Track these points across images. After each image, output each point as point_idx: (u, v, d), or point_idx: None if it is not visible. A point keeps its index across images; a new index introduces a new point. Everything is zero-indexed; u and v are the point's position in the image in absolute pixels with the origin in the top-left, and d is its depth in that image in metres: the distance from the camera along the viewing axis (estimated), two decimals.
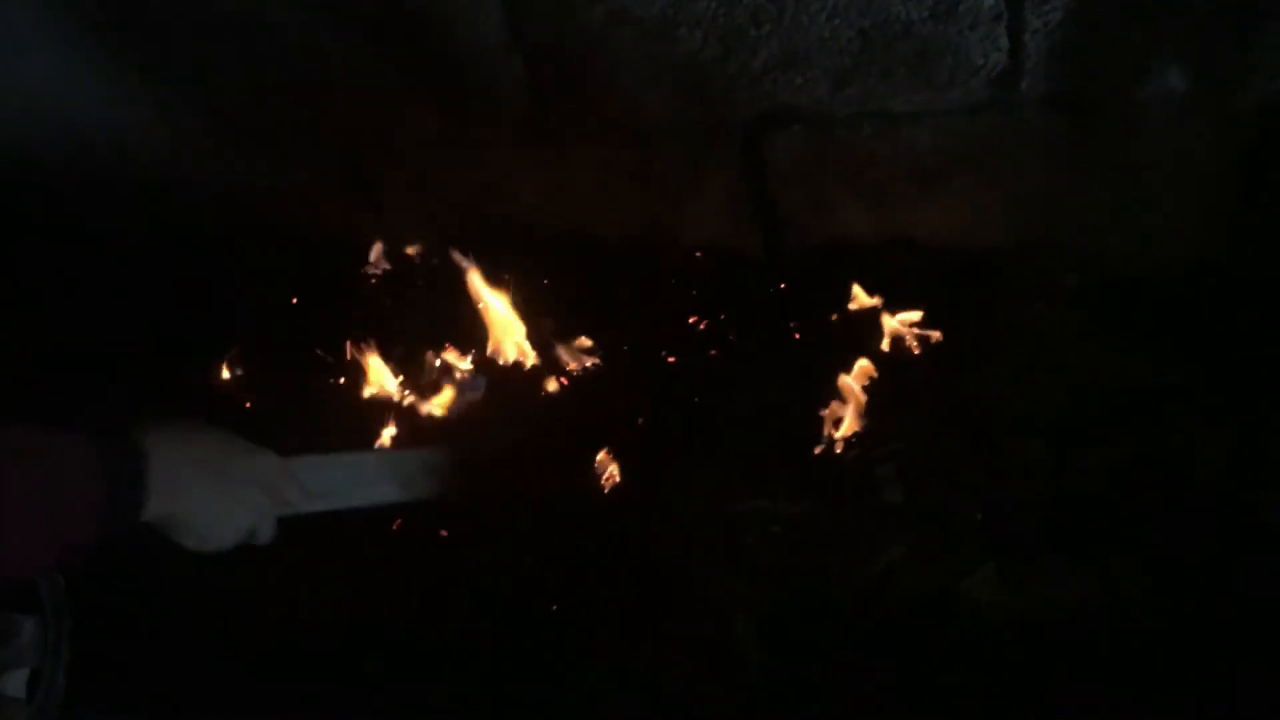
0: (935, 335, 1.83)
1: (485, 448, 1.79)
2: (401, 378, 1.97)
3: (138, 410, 1.14)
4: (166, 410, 1.23)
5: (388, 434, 1.91)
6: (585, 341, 1.95)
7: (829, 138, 1.84)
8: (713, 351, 1.91)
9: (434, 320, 2.01)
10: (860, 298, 1.89)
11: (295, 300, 2.11)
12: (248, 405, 2.01)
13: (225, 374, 2.05)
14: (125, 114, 2.11)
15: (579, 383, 1.91)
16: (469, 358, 1.96)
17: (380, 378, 1.96)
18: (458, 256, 1.90)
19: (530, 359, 1.94)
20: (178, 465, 1.11)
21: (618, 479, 1.80)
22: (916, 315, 1.85)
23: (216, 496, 1.18)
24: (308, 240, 2.12)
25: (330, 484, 1.43)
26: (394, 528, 1.80)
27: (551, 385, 1.91)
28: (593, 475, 1.80)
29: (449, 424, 1.91)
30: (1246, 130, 1.63)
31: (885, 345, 1.84)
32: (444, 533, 1.79)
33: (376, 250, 2.14)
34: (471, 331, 1.96)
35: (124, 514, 1.06)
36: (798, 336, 1.90)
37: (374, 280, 2.12)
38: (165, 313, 2.10)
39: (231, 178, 2.15)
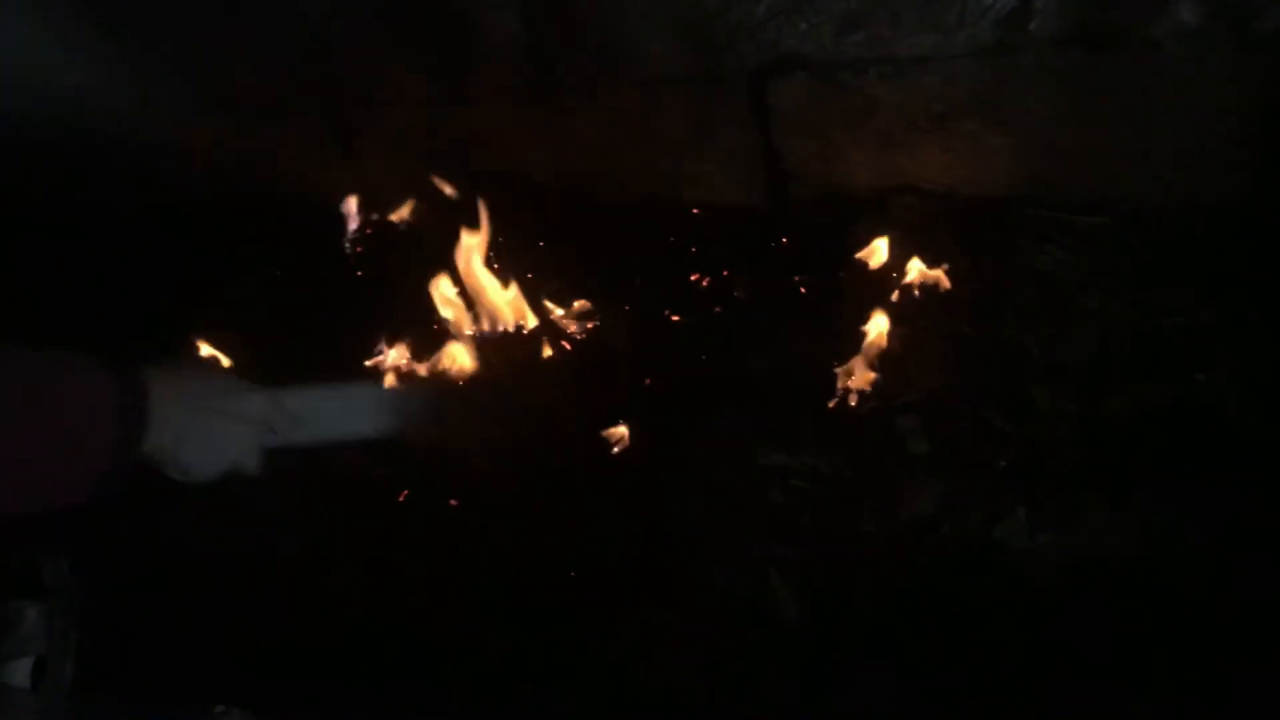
0: (948, 283, 1.80)
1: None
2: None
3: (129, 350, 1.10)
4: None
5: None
6: (585, 303, 1.90)
7: (834, 85, 1.80)
8: (720, 308, 1.87)
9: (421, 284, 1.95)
10: (870, 247, 1.86)
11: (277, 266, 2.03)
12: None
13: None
14: (91, 78, 2.02)
15: (581, 345, 1.86)
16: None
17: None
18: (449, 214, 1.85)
19: (529, 321, 1.88)
20: (171, 401, 1.11)
21: (629, 441, 1.75)
22: (928, 263, 1.82)
23: (204, 432, 1.18)
24: (288, 203, 2.04)
25: (318, 414, 1.42)
26: (401, 499, 1.75)
27: (551, 348, 1.85)
28: (602, 437, 1.76)
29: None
30: (1264, 63, 1.61)
31: (898, 295, 1.81)
32: (454, 502, 1.74)
33: (352, 208, 2.07)
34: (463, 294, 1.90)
35: (132, 447, 1.05)
36: (806, 290, 1.86)
37: (359, 242, 2.05)
38: (140, 278, 2.01)
39: (207, 140, 2.06)
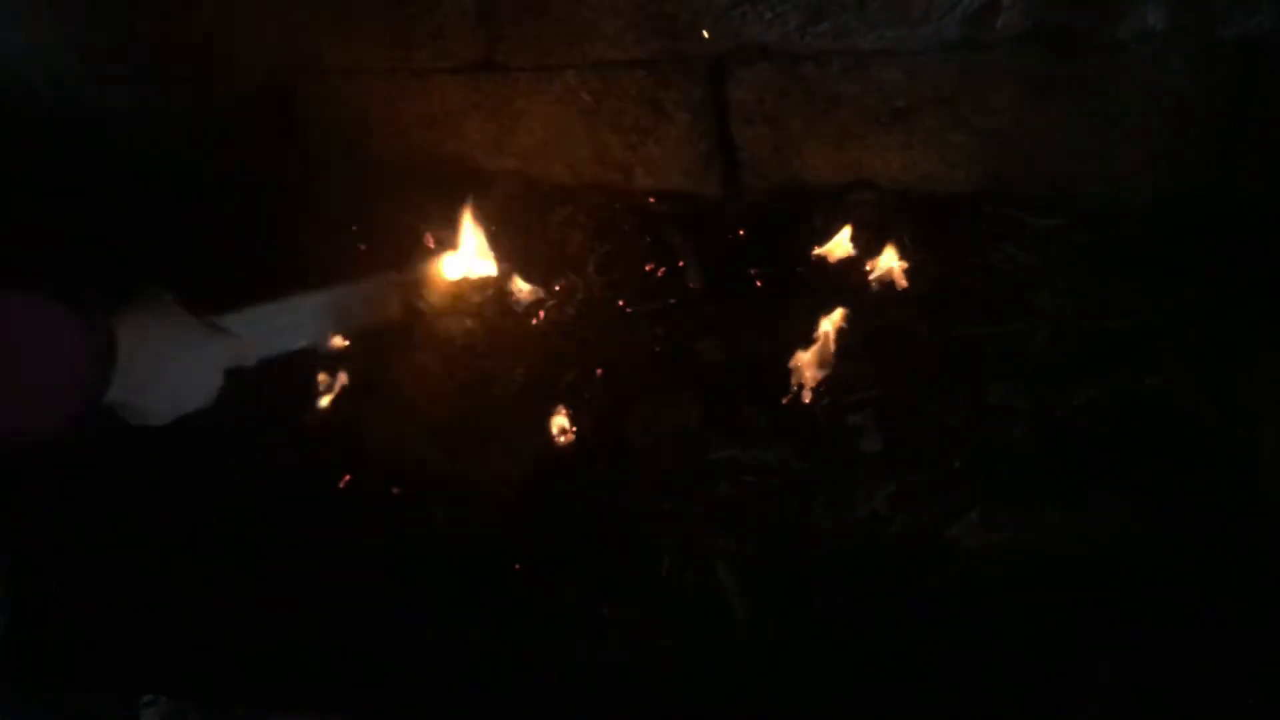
0: (904, 278, 1.79)
1: None
2: None
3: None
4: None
5: None
6: (534, 289, 1.84)
7: (796, 76, 1.77)
8: (672, 298, 1.84)
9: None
10: (826, 241, 1.83)
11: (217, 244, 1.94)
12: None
13: None
14: (23, 38, 1.92)
15: (531, 332, 1.81)
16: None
17: None
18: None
19: (475, 307, 1.83)
20: (138, 350, 1.09)
21: (578, 430, 1.71)
22: (883, 259, 1.80)
23: (166, 383, 1.18)
24: (230, 179, 1.96)
25: (274, 330, 1.45)
26: (341, 485, 1.69)
27: (499, 335, 1.80)
28: (553, 426, 1.72)
29: None
30: (1226, 67, 1.63)
31: (852, 290, 1.79)
32: (395, 490, 1.68)
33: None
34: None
35: (99, 391, 1.04)
36: (760, 283, 1.84)
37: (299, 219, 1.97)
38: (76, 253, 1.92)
39: (145, 110, 1.97)
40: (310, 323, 1.55)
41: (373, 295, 1.68)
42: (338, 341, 1.70)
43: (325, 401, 1.78)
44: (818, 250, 1.83)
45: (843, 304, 1.76)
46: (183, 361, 1.20)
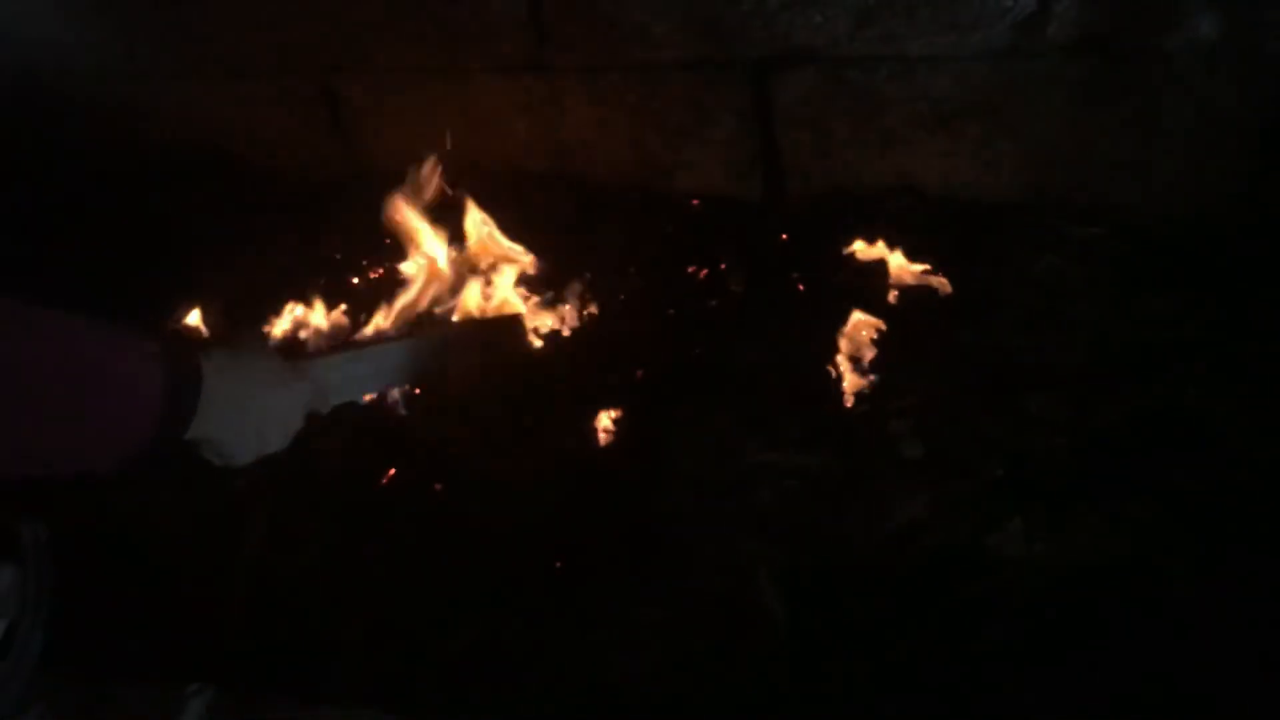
0: (945, 286, 1.79)
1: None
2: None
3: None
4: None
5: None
6: (576, 291, 1.85)
7: (842, 80, 1.78)
8: (713, 301, 1.84)
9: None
10: (867, 246, 1.84)
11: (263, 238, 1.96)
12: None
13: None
14: (74, 35, 1.94)
15: (572, 333, 1.82)
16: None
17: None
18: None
19: (517, 308, 1.84)
20: (224, 392, 1.07)
21: (617, 432, 1.72)
22: (925, 265, 1.80)
23: (250, 427, 1.16)
24: (277, 174, 1.97)
25: (352, 380, 1.46)
26: (384, 481, 1.70)
27: (540, 336, 1.81)
28: (592, 428, 1.72)
29: None
30: (1271, 81, 1.62)
31: (893, 296, 1.79)
32: (437, 486, 1.69)
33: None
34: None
35: (176, 427, 1.03)
36: (802, 287, 1.84)
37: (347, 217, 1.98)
38: (123, 247, 1.93)
39: (193, 106, 1.99)
40: (390, 373, 1.55)
41: (455, 347, 1.66)
42: (414, 391, 1.73)
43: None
44: (859, 255, 1.83)
45: (883, 310, 1.77)
46: (267, 402, 1.19)
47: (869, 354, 1.73)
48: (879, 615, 1.51)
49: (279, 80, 1.96)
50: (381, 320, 1.80)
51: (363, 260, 1.91)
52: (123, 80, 2.00)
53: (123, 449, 0.98)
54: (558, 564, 1.61)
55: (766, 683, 1.48)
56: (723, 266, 1.86)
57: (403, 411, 1.74)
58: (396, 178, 1.92)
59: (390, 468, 1.69)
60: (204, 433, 1.07)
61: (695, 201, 1.95)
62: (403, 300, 1.80)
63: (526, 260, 1.84)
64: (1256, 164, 1.69)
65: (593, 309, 1.82)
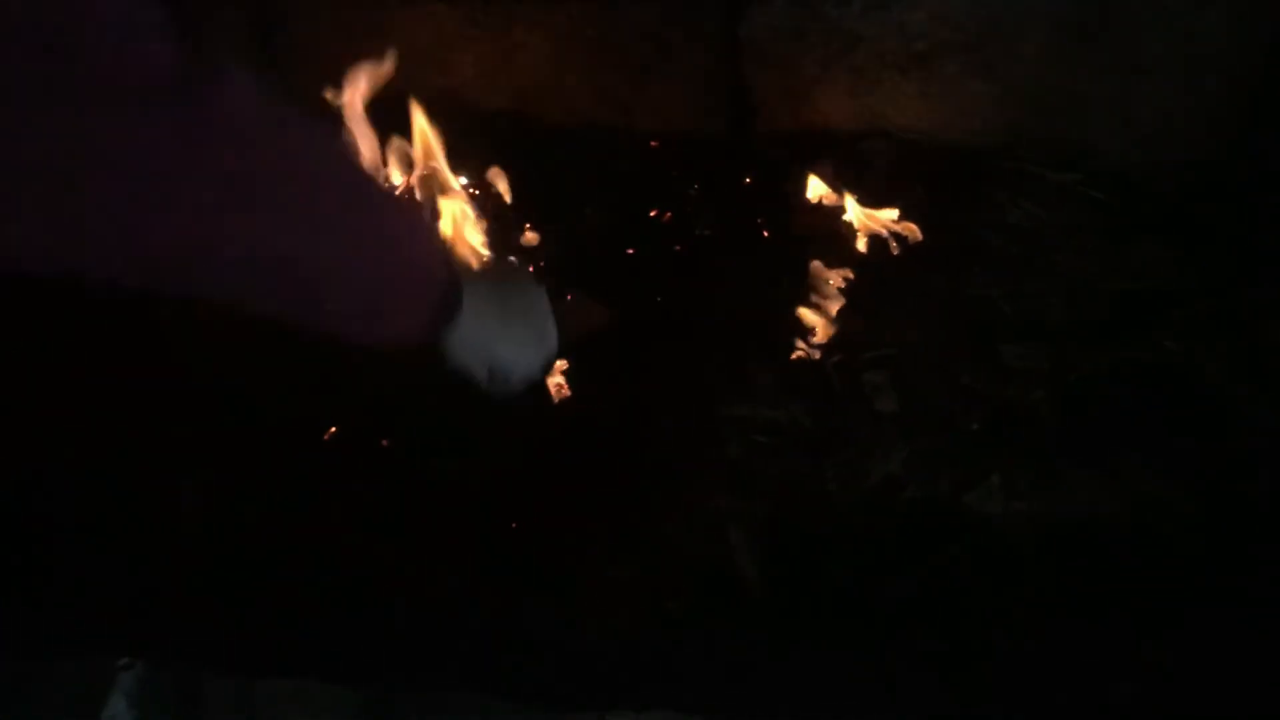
0: (917, 233, 1.72)
1: None
2: None
3: None
4: None
5: None
6: (532, 237, 1.75)
7: (815, 15, 1.68)
8: (677, 247, 1.75)
9: None
10: (837, 191, 1.76)
11: None
12: None
13: None
14: None
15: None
16: None
17: None
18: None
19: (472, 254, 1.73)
20: (487, 309, 1.09)
21: (579, 385, 1.63)
22: (897, 211, 1.73)
23: (498, 351, 1.17)
24: None
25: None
26: (325, 437, 1.59)
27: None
28: (550, 380, 1.63)
29: None
30: (1262, 22, 1.57)
31: (864, 243, 1.72)
32: (385, 442, 1.59)
33: None
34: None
35: (443, 320, 1.02)
36: (770, 233, 1.75)
37: None
38: None
39: None
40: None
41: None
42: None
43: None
44: (829, 200, 1.76)
45: (856, 258, 1.69)
46: (529, 325, 1.21)
47: (840, 303, 1.66)
48: (854, 574, 1.46)
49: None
50: None
51: None
52: None
53: (405, 323, 0.98)
54: (517, 524, 1.53)
55: (740, 644, 1.43)
56: (687, 210, 1.78)
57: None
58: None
59: (336, 422, 1.59)
60: (470, 354, 1.09)
61: (657, 143, 1.85)
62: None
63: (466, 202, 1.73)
64: (1246, 107, 1.64)
65: (550, 253, 1.72)
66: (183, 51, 0.71)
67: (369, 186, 0.93)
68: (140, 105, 0.69)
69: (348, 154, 0.93)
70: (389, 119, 1.74)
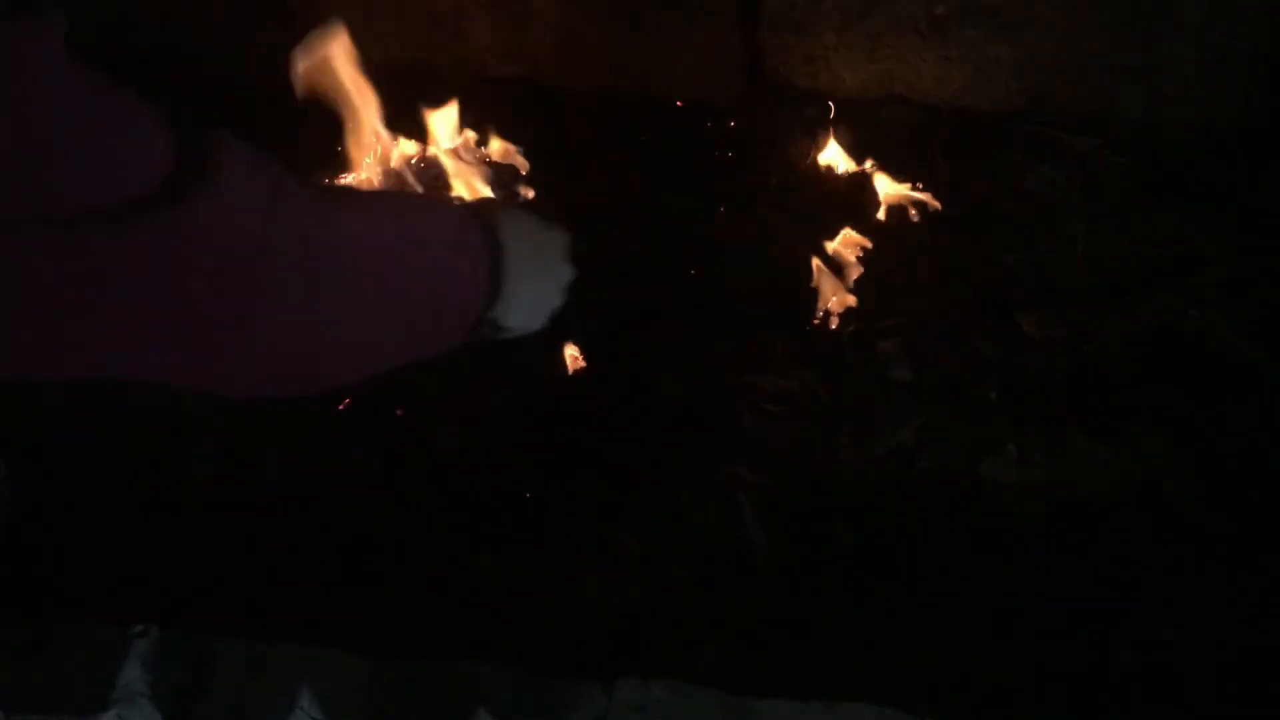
0: (934, 200, 1.69)
1: None
2: None
3: None
4: None
5: None
6: (542, 204, 1.74)
7: None
8: (691, 214, 1.73)
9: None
10: (854, 158, 1.74)
11: None
12: None
13: None
14: None
15: None
16: None
17: None
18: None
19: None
20: (520, 261, 0.96)
21: (589, 353, 1.62)
22: (915, 178, 1.70)
23: (540, 294, 1.03)
24: (215, 73, 1.82)
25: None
26: (340, 408, 1.60)
27: None
28: (564, 347, 1.63)
29: None
30: None
31: (880, 210, 1.70)
32: (399, 412, 1.59)
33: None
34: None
35: (494, 303, 0.92)
36: (785, 201, 1.73)
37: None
38: None
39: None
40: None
41: None
42: None
43: None
44: (846, 168, 1.74)
45: (872, 225, 1.67)
46: (548, 269, 1.08)
47: (856, 271, 1.64)
48: (865, 545, 1.45)
49: None
50: None
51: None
52: None
53: (451, 332, 0.90)
54: (528, 494, 1.54)
55: (749, 614, 1.43)
56: (702, 177, 1.76)
57: None
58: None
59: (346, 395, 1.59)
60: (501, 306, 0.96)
61: (675, 107, 1.83)
62: None
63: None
64: (1271, 70, 1.60)
65: (566, 221, 1.71)
66: (171, 150, 0.65)
67: (392, 235, 0.85)
68: (130, 220, 0.64)
69: (364, 210, 0.85)
70: (406, 87, 1.74)
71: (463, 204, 0.96)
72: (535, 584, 1.44)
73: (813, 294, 1.63)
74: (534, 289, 1.01)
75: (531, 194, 1.73)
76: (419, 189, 1.66)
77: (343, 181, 1.68)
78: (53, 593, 1.38)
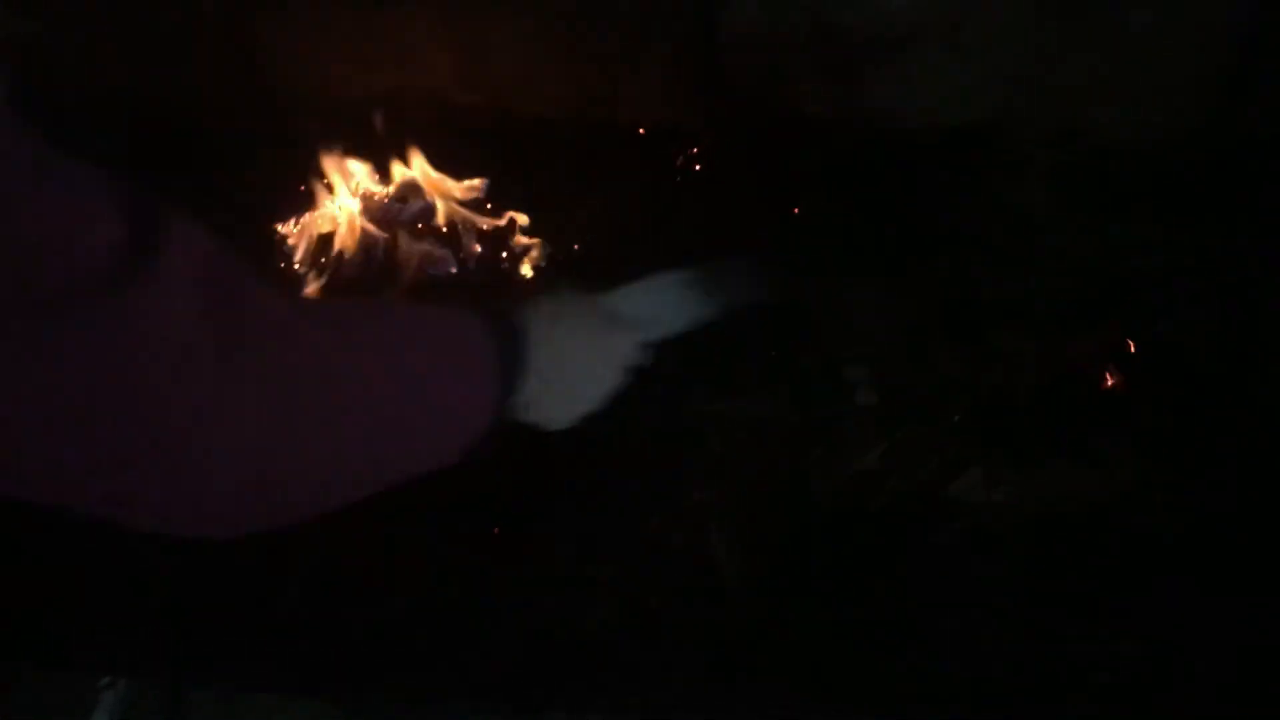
0: (902, 220, 1.69)
1: None
2: None
3: None
4: None
5: None
6: (512, 225, 1.74)
7: (792, 3, 1.65)
8: (656, 238, 1.73)
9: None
10: (820, 178, 1.73)
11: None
12: None
13: None
14: None
15: (507, 272, 1.71)
16: None
17: None
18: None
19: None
20: (543, 345, 0.97)
21: None
22: (879, 199, 1.70)
23: (569, 381, 1.06)
24: (169, 108, 1.82)
25: (660, 309, 1.31)
26: None
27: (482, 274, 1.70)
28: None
29: None
30: None
31: (849, 230, 1.69)
32: None
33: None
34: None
35: (511, 397, 0.93)
36: (751, 223, 1.73)
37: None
38: None
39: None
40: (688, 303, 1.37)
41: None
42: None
43: None
44: (811, 188, 1.73)
45: (839, 245, 1.67)
46: (586, 357, 1.09)
47: (821, 294, 1.64)
48: (834, 568, 1.45)
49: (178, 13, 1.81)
50: None
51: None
52: None
53: (469, 436, 0.90)
54: (497, 528, 1.53)
55: (721, 639, 1.43)
56: (665, 202, 1.76)
57: None
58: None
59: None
60: (522, 395, 0.97)
61: (635, 132, 1.84)
62: None
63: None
64: (1238, 81, 1.59)
65: (532, 246, 1.72)
66: (111, 232, 0.57)
67: (367, 345, 0.80)
68: (78, 303, 0.56)
69: (335, 321, 0.80)
70: (370, 123, 1.75)
71: (472, 300, 0.94)
72: (507, 616, 1.44)
73: (780, 319, 1.63)
74: (570, 369, 1.03)
75: (504, 221, 1.74)
76: (384, 231, 1.67)
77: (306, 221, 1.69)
78: (18, 638, 1.38)
